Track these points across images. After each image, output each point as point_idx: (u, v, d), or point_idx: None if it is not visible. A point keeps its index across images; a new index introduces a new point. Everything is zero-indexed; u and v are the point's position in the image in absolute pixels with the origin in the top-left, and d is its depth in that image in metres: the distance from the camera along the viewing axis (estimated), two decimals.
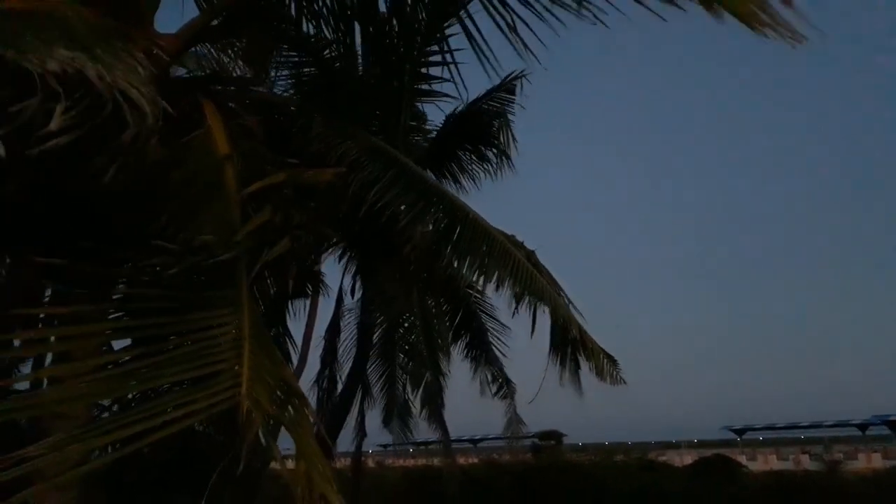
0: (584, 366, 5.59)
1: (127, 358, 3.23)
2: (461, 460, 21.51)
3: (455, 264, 5.34)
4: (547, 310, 5.20)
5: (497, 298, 5.26)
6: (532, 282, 5.09)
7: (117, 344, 3.88)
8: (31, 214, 3.95)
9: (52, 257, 4.18)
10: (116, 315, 3.70)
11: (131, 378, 3.16)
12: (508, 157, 8.17)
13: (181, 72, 6.70)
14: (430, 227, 5.33)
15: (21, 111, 2.72)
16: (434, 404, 9.29)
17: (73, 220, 4.07)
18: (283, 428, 3.40)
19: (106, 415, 5.31)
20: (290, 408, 3.30)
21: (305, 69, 7.07)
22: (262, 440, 3.38)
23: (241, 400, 2.92)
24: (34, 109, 2.80)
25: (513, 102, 7.62)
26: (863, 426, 49.35)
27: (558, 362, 6.35)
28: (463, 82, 6.67)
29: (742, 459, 28.09)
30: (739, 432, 55.00)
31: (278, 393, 3.25)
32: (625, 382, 5.83)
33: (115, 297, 3.80)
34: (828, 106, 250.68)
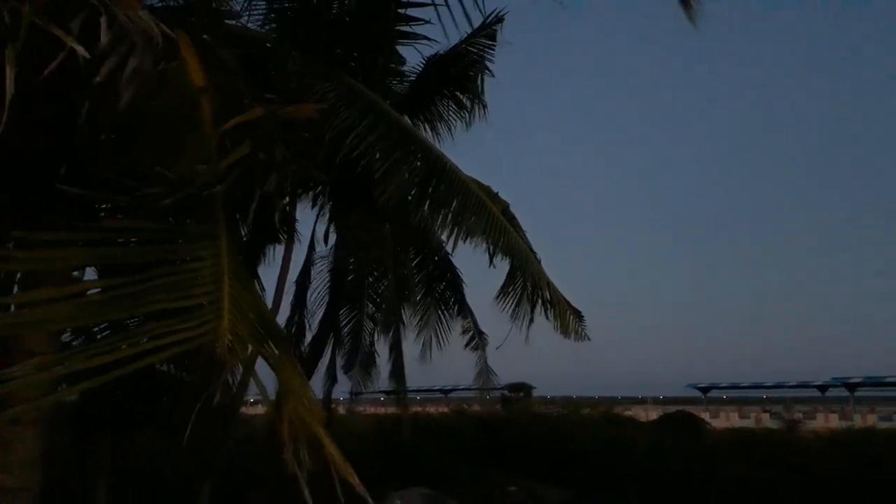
0: (549, 322, 5.60)
1: (102, 287, 3.13)
2: (432, 410, 21.85)
3: (430, 216, 5.28)
4: (510, 261, 5.18)
5: (470, 251, 5.20)
6: (506, 236, 5.06)
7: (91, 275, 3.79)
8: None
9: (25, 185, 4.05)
10: (90, 242, 3.60)
11: (107, 307, 3.06)
12: (484, 105, 8.01)
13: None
14: (406, 177, 5.24)
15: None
16: (398, 354, 9.27)
17: (49, 149, 3.94)
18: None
19: (77, 343, 5.25)
20: (271, 344, 3.25)
21: (284, 4, 6.82)
22: (233, 378, 3.29)
23: (223, 334, 2.85)
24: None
25: (491, 48, 7.43)
26: (822, 387, 51.02)
27: (514, 312, 6.32)
28: (451, 24, 6.43)
29: (706, 416, 28.97)
30: (704, 390, 56.52)
31: (259, 328, 3.20)
32: (588, 339, 5.85)
33: (89, 224, 3.69)
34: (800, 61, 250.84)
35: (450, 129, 8.27)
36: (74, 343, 4.97)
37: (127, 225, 3.27)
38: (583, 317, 5.77)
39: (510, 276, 5.53)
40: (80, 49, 2.66)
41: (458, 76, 7.77)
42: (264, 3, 6.72)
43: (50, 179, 3.86)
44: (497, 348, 6.47)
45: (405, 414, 10.35)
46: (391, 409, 18.70)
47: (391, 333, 9.24)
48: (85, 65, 2.83)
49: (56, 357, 2.85)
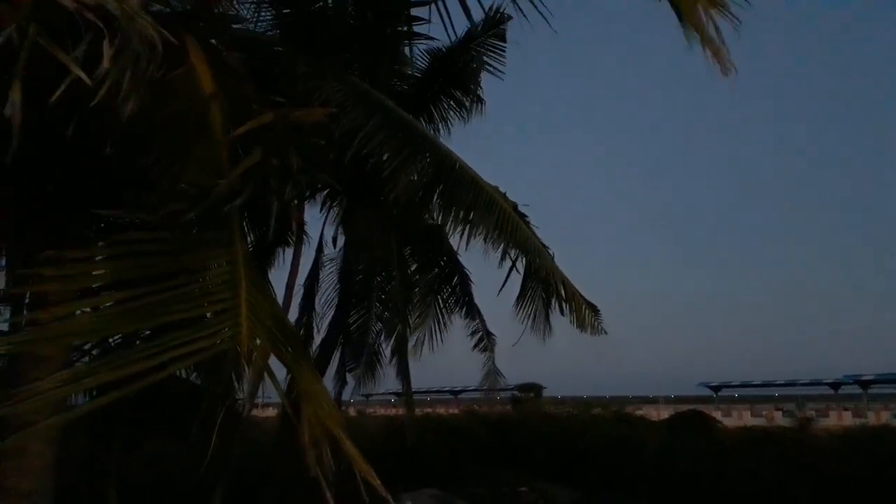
0: (565, 317, 5.57)
1: (119, 299, 3.15)
2: (442, 411, 21.86)
3: (440, 215, 5.25)
4: (525, 259, 5.15)
5: (481, 252, 5.17)
6: (518, 232, 5.03)
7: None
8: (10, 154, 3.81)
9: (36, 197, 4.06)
10: (111, 256, 3.61)
11: (127, 318, 3.10)
12: (483, 103, 8.00)
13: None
14: (415, 176, 5.22)
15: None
16: (402, 355, 9.25)
17: (58, 162, 3.94)
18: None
19: (86, 359, 5.27)
20: (289, 349, 3.28)
21: (290, 10, 6.82)
22: (237, 384, 3.27)
23: (242, 341, 2.90)
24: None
25: (499, 48, 7.42)
26: (835, 385, 50.73)
27: (532, 313, 6.30)
28: (454, 21, 6.39)
29: (717, 415, 28.83)
30: (716, 389, 56.32)
31: (277, 334, 3.23)
32: (605, 332, 5.80)
33: (111, 239, 3.71)
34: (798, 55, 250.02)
35: (447, 127, 8.29)
36: (94, 352, 5.00)
37: (145, 237, 3.29)
38: (598, 311, 5.73)
39: (526, 276, 5.49)
40: (84, 76, 2.67)
41: (462, 75, 7.78)
42: (269, 6, 6.74)
43: (69, 197, 3.87)
44: (513, 345, 6.45)
45: (411, 415, 10.32)
46: (401, 411, 18.68)
47: (395, 335, 9.22)
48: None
49: (85, 369, 2.86)
